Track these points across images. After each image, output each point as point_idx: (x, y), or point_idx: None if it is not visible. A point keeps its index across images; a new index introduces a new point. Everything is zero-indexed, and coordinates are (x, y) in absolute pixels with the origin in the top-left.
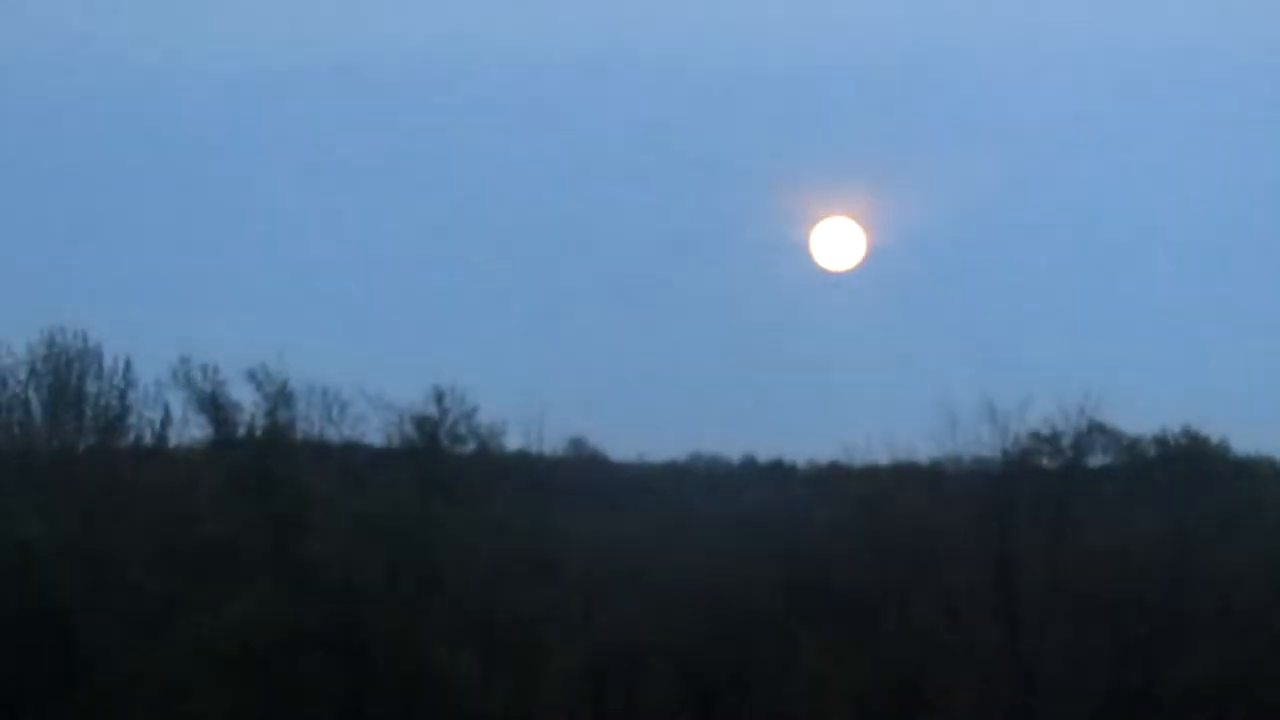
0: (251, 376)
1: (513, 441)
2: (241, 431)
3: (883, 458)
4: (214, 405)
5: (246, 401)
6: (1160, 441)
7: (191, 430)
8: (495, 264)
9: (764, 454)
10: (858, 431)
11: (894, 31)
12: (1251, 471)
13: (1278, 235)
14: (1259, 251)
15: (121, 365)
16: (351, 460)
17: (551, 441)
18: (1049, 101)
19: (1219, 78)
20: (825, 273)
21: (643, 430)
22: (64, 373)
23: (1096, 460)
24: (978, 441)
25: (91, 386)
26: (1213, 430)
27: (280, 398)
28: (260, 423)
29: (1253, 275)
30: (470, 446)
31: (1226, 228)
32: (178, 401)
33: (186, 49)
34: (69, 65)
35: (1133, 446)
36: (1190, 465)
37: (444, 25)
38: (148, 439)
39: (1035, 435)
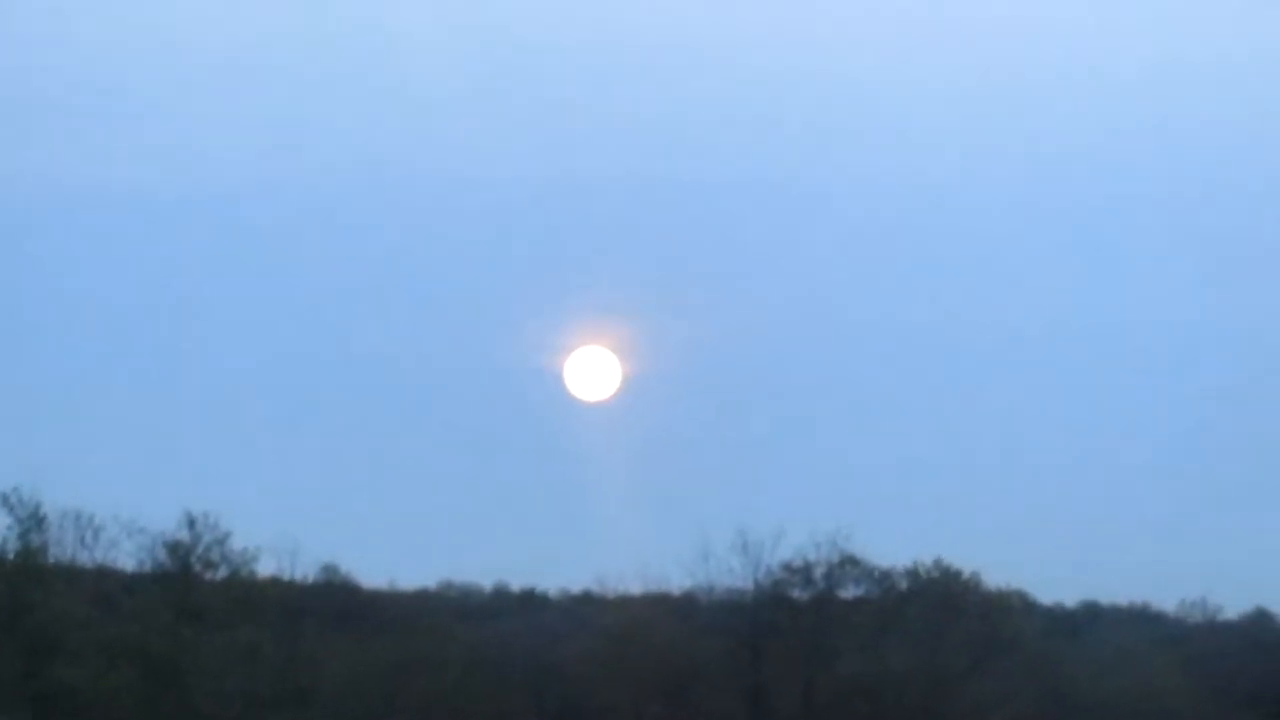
0: (4, 500)
1: (265, 567)
2: None
3: (635, 587)
4: None
5: None
6: (912, 574)
7: None
8: (250, 390)
9: (517, 582)
10: (611, 561)
11: (651, 162)
12: (1003, 604)
13: (1032, 366)
14: (1014, 386)
15: None
16: (104, 585)
17: (304, 568)
18: (805, 231)
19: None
20: (580, 402)
21: (395, 557)
22: None
23: (849, 592)
24: (730, 572)
25: None
26: (965, 563)
27: (33, 521)
28: (12, 546)
29: (1008, 410)
30: (223, 572)
31: (981, 362)
32: None
33: None
34: None
35: (885, 578)
36: (942, 598)
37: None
38: None
39: (788, 566)
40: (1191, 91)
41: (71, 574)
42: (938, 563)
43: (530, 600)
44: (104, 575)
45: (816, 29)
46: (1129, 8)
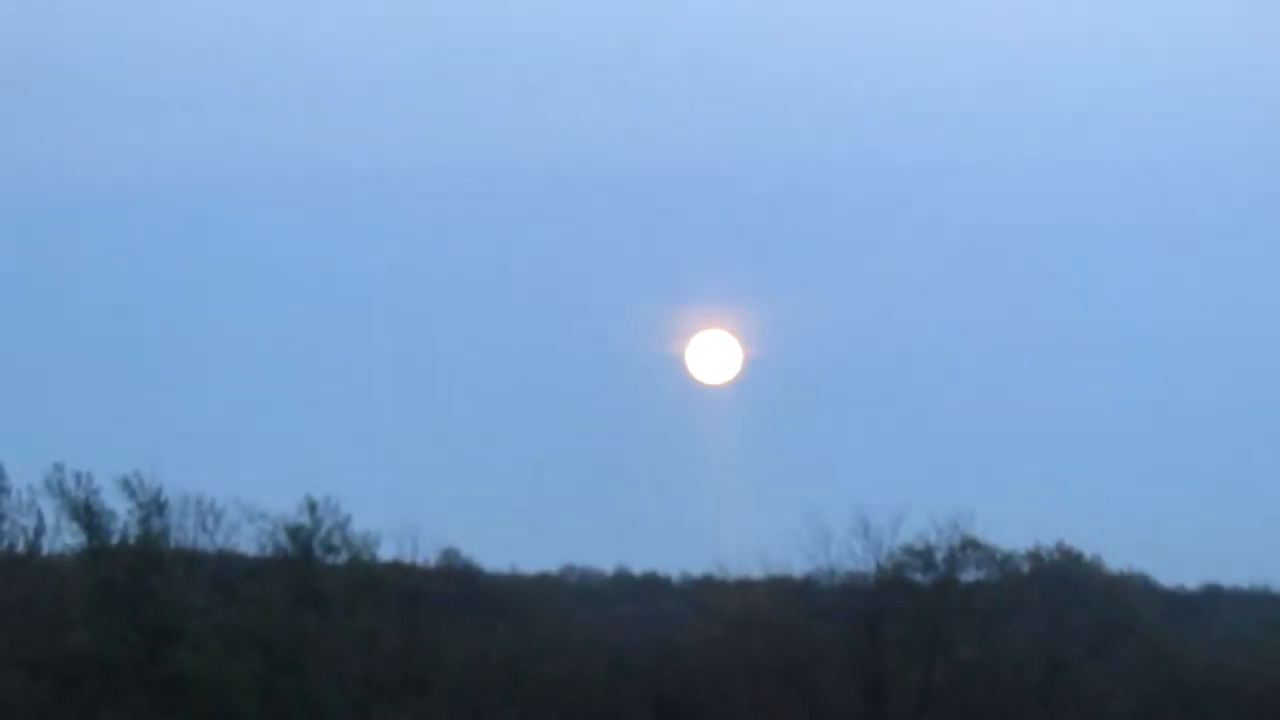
0: (125, 485)
1: (386, 552)
2: (114, 540)
3: (756, 571)
4: (87, 513)
5: (120, 510)
6: (1033, 556)
7: (65, 538)
8: (373, 375)
9: (637, 567)
10: (732, 545)
11: (770, 148)
12: (1124, 588)
13: (1154, 348)
14: (1136, 365)
15: None
16: (225, 570)
17: (424, 552)
18: (926, 221)
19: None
20: (701, 386)
21: (516, 542)
22: None
23: (969, 575)
24: (851, 556)
25: None
26: (1086, 546)
27: (154, 506)
28: (133, 532)
29: (1127, 390)
30: (343, 557)
31: (1102, 342)
32: (50, 509)
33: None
34: None
35: (1006, 562)
36: (1063, 581)
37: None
38: (20, 546)
39: (908, 550)
40: None
41: (192, 559)
42: (1059, 545)
43: (651, 584)
44: (225, 560)
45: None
46: None
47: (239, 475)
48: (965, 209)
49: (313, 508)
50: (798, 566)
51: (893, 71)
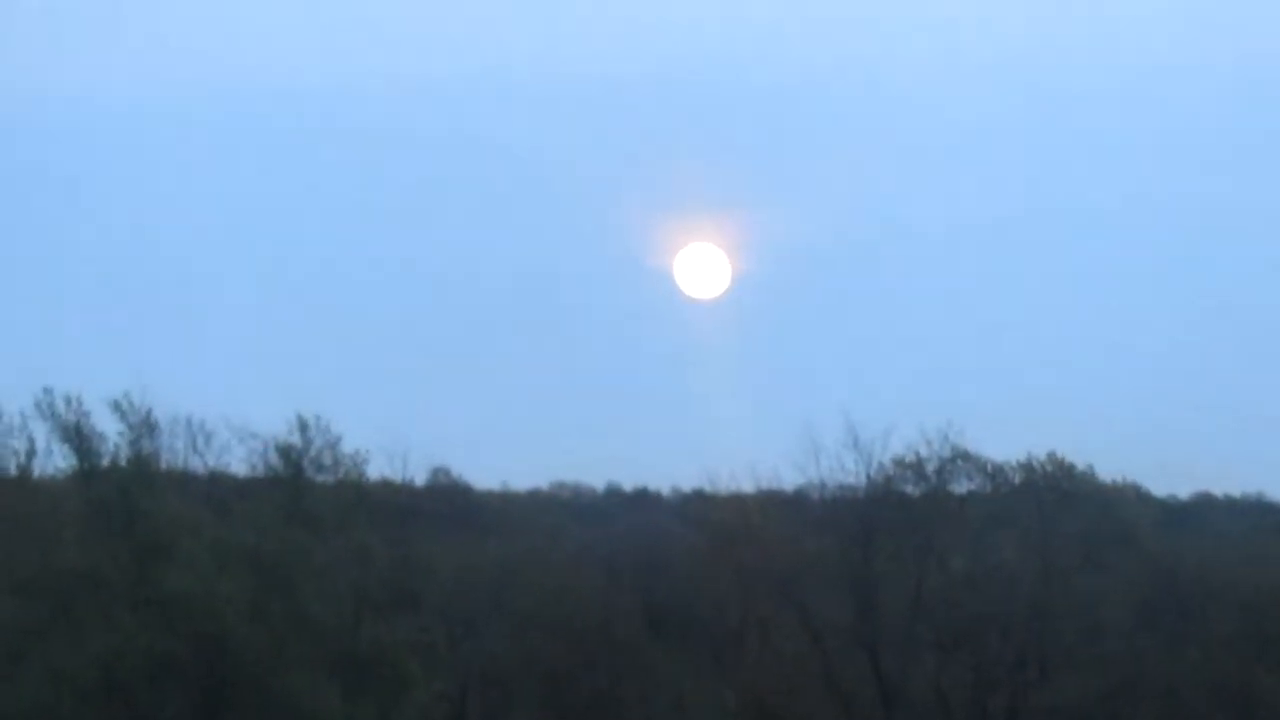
0: (115, 407)
1: (376, 470)
2: (105, 462)
3: (747, 485)
4: (77, 435)
5: (110, 431)
6: (1025, 467)
7: (55, 460)
8: (358, 294)
9: (628, 482)
10: (722, 459)
11: (756, 61)
12: (1117, 497)
13: (1139, 254)
14: (1120, 277)
15: None
16: (216, 490)
17: (415, 470)
18: (911, 129)
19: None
20: (690, 300)
21: (506, 459)
22: None
23: (960, 486)
24: (842, 468)
25: None
26: (1078, 456)
27: (144, 428)
28: (124, 453)
29: (1116, 305)
30: (334, 476)
31: (1088, 254)
32: (41, 432)
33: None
34: None
35: (997, 473)
36: (1055, 491)
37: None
38: (12, 469)
39: (899, 462)
40: None
41: (184, 480)
42: (1051, 456)
43: (642, 499)
44: (216, 480)
45: None
46: None
47: (229, 395)
48: (955, 114)
49: (303, 427)
50: (788, 479)
51: None
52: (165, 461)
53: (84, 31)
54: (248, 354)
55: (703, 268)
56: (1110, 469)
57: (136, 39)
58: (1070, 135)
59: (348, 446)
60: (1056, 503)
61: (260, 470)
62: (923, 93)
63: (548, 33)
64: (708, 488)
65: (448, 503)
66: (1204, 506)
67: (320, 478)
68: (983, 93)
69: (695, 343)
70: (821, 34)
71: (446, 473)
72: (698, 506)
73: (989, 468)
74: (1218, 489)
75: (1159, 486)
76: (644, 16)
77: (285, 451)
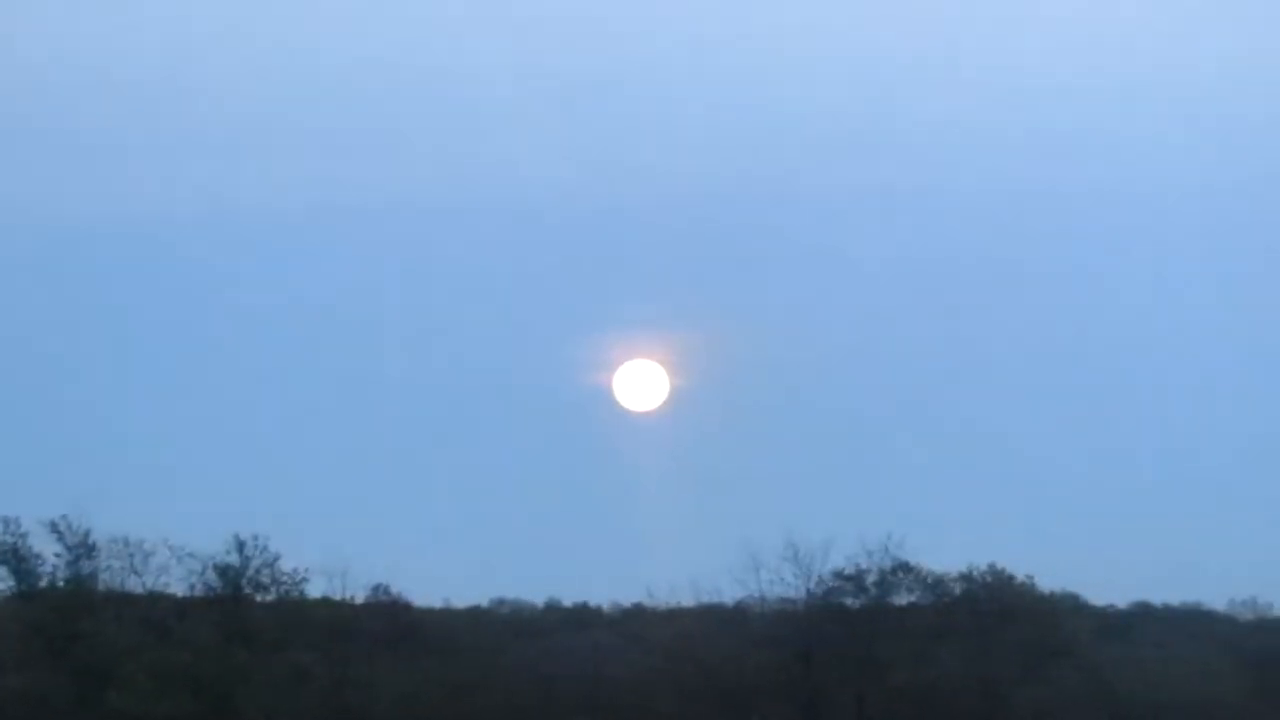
0: (53, 528)
1: (315, 588)
2: (44, 583)
3: (687, 599)
4: (15, 557)
5: (48, 553)
6: (965, 579)
7: None
8: (298, 411)
9: (568, 598)
10: (662, 573)
11: (694, 180)
12: (1055, 608)
13: (1081, 370)
14: (1061, 390)
15: None
16: (155, 610)
17: (354, 588)
18: (852, 246)
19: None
20: (629, 415)
21: (447, 576)
22: None
23: (901, 598)
24: (782, 582)
25: None
26: (1018, 567)
27: (82, 549)
28: (62, 574)
29: (1057, 414)
30: (273, 595)
31: (1028, 368)
32: None
33: None
34: None
35: (938, 584)
36: (995, 602)
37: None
38: None
39: (839, 574)
40: None
41: (122, 601)
42: (991, 567)
43: (582, 615)
44: (155, 601)
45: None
46: None
47: (167, 516)
48: (891, 235)
49: (241, 546)
50: (729, 594)
51: (810, 94)
52: (104, 582)
53: None
54: (185, 473)
55: (641, 383)
56: (1049, 579)
57: None
58: None
59: (286, 565)
60: (997, 614)
61: (199, 590)
62: (854, 211)
63: (482, 157)
64: (648, 603)
65: (388, 620)
66: (1142, 617)
67: (259, 596)
68: (911, 215)
69: (634, 457)
70: (768, 144)
71: (386, 590)
72: (638, 622)
73: (929, 579)
74: (1155, 598)
75: (1097, 596)
76: (581, 136)
77: (223, 571)
